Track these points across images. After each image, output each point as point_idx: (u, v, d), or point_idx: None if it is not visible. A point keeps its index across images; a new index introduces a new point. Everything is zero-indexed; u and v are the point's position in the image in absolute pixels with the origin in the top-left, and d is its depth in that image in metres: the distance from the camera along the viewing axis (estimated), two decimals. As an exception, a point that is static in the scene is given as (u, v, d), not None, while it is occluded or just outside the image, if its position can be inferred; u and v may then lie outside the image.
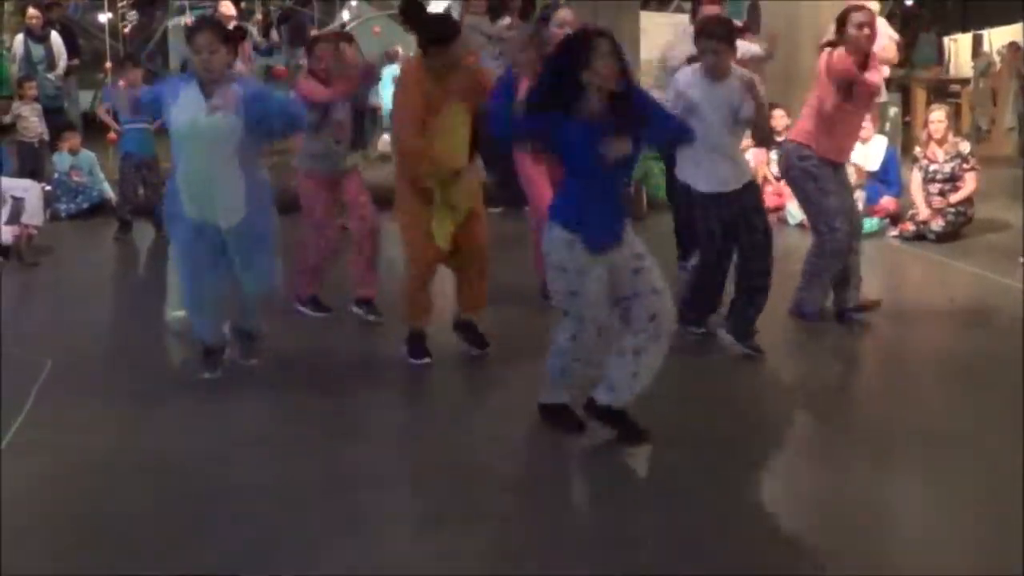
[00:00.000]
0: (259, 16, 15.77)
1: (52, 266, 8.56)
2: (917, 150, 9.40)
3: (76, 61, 13.75)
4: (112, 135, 10.48)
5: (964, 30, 19.52)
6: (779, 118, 9.55)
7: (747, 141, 9.43)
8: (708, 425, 4.73)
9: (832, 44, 6.07)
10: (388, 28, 17.37)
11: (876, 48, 9.24)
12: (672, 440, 4.51)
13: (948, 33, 19.66)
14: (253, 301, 5.45)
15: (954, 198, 8.77)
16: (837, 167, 6.19)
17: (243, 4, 15.46)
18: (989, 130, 15.01)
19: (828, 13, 10.39)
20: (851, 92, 5.97)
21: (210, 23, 5.43)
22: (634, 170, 8.83)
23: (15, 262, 8.33)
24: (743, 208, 5.63)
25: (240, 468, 4.27)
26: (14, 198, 8.56)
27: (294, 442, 4.55)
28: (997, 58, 15.77)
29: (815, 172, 6.06)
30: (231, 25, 12.26)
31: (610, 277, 4.36)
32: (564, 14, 6.22)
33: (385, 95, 14.50)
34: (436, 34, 5.26)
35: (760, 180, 9.99)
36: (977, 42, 17.71)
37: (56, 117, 12.01)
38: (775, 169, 9.13)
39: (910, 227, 8.89)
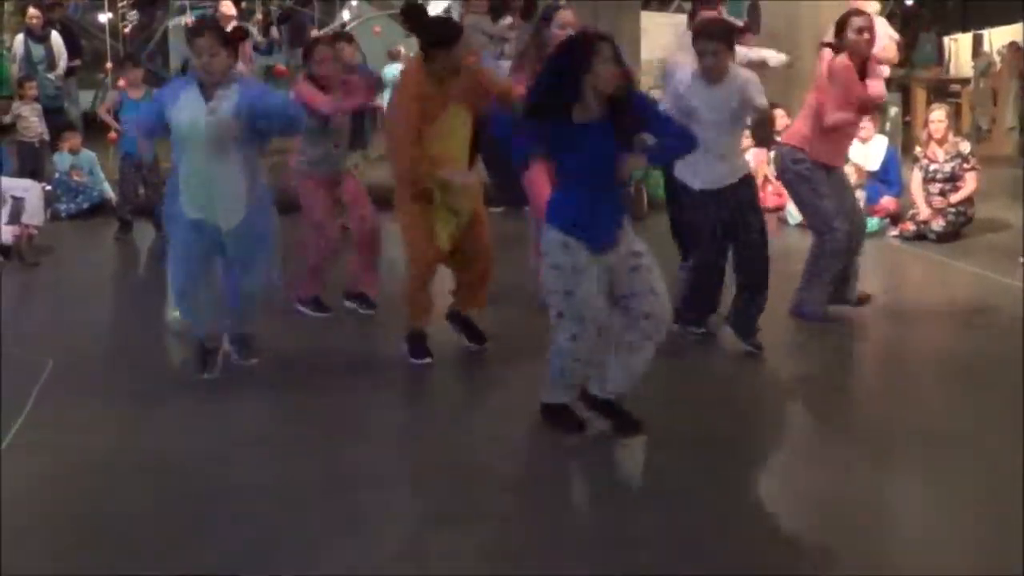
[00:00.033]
0: (259, 16, 15.77)
1: (52, 266, 8.56)
2: (917, 150, 9.40)
3: (78, 62, 13.76)
4: (112, 135, 10.48)
5: (964, 30, 19.52)
6: (779, 118, 9.55)
7: (747, 141, 9.47)
8: (708, 425, 4.73)
9: (832, 47, 6.06)
10: (388, 28, 17.39)
11: (876, 48, 9.27)
12: (672, 440, 4.51)
13: (948, 33, 19.66)
14: (253, 301, 5.46)
15: (954, 198, 8.78)
16: (832, 169, 6.19)
17: (243, 4, 15.45)
18: (990, 130, 15.01)
19: (828, 13, 10.41)
20: (852, 103, 6.00)
21: (211, 26, 5.44)
22: (634, 172, 8.85)
23: (16, 262, 8.33)
24: (739, 204, 5.64)
25: (240, 468, 4.27)
26: (14, 198, 8.57)
27: (294, 442, 4.55)
28: (997, 58, 15.76)
29: (808, 175, 6.06)
30: (231, 25, 12.33)
31: (608, 276, 4.37)
32: (566, 16, 6.20)
33: (387, 95, 14.53)
34: (438, 37, 5.26)
35: (760, 180, 10.01)
36: (977, 42, 17.71)
37: (56, 117, 12.02)
38: (775, 169, 9.12)
39: (910, 227, 8.89)
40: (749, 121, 9.19)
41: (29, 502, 3.97)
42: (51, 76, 12.64)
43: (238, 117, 4.99)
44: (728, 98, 5.53)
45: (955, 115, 13.77)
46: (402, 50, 15.28)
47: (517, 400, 5.01)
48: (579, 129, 4.24)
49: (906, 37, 15.04)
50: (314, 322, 6.44)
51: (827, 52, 6.17)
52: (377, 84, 5.68)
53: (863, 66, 6.04)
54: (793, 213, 9.17)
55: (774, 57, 7.20)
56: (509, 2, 10.07)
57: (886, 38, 10.31)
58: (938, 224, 8.76)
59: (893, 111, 11.26)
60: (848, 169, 9.03)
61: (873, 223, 9.02)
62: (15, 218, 8.48)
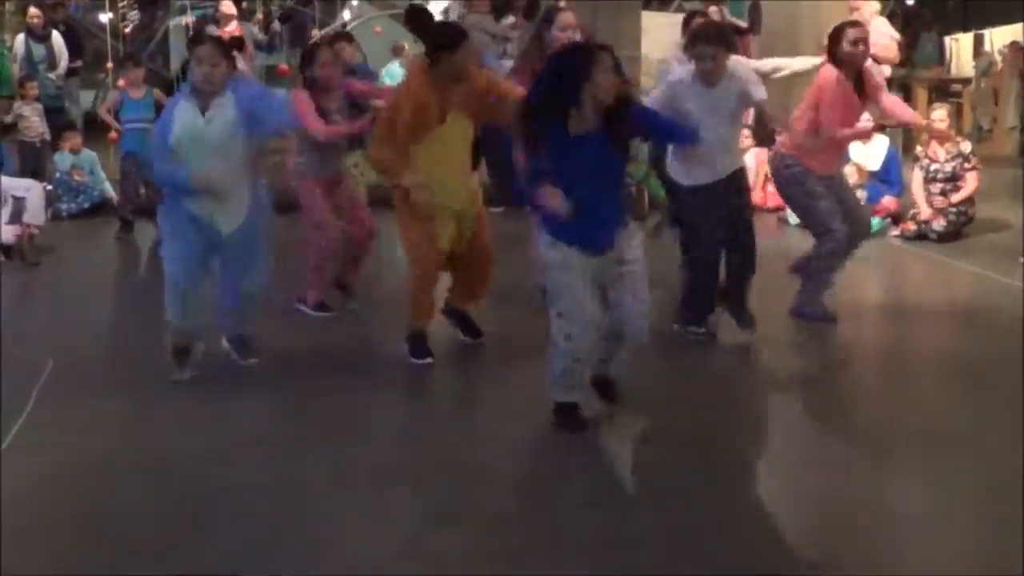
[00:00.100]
0: (260, 16, 15.77)
1: (53, 266, 8.57)
2: (918, 149, 9.40)
3: (80, 62, 13.77)
4: (113, 135, 10.48)
5: (965, 29, 19.49)
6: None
7: (747, 141, 9.46)
8: (708, 425, 4.73)
9: (832, 60, 6.04)
10: (389, 28, 17.38)
11: (877, 48, 9.27)
12: (672, 440, 4.52)
13: (949, 33, 19.64)
14: (252, 301, 5.46)
15: (955, 198, 8.78)
16: (829, 175, 6.19)
17: (244, 3, 15.45)
18: (990, 130, 15.01)
19: (828, 13, 10.42)
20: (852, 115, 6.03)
21: (212, 37, 5.49)
22: (635, 171, 8.86)
23: (16, 262, 8.34)
24: (729, 195, 5.67)
25: (240, 468, 4.27)
26: (15, 198, 8.57)
27: (294, 442, 4.56)
28: (998, 58, 15.75)
29: (801, 178, 6.07)
30: (232, 24, 12.35)
31: (600, 280, 4.43)
32: (567, 17, 6.21)
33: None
34: (442, 41, 5.26)
35: (761, 179, 10.02)
36: (978, 42, 17.69)
37: (57, 117, 12.03)
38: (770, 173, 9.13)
39: (911, 227, 8.89)
40: (750, 120, 9.24)
41: (29, 502, 3.97)
42: (52, 76, 12.66)
43: (237, 123, 5.01)
44: (726, 98, 5.54)
45: (956, 115, 13.76)
46: (406, 46, 15.28)
47: (517, 399, 5.01)
48: (575, 140, 4.28)
49: (907, 37, 15.04)
50: (314, 322, 6.44)
51: (827, 68, 6.14)
52: (373, 79, 5.63)
53: (859, 77, 6.04)
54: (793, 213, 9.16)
55: (807, 62, 7.13)
56: (511, 1, 10.09)
57: (887, 37, 10.33)
58: (939, 224, 8.76)
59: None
60: (849, 169, 9.05)
61: (874, 223, 9.01)
62: (16, 218, 8.48)
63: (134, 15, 17.80)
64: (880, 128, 6.62)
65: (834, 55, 6.00)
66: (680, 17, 9.49)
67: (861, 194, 9.01)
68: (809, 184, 6.07)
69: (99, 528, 3.77)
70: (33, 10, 12.95)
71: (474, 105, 5.33)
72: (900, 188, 9.53)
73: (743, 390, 5.34)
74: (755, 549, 3.57)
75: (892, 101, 6.66)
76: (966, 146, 9.08)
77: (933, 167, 8.89)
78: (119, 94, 10.09)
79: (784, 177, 6.17)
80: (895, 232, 9.04)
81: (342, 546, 3.60)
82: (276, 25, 15.68)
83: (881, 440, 4.54)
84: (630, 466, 4.33)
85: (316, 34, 15.78)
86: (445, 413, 5.14)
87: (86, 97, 15.07)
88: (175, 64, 15.62)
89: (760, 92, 5.61)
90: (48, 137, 11.27)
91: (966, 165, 8.84)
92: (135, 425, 4.84)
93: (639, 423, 4.73)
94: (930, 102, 13.35)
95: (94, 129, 12.41)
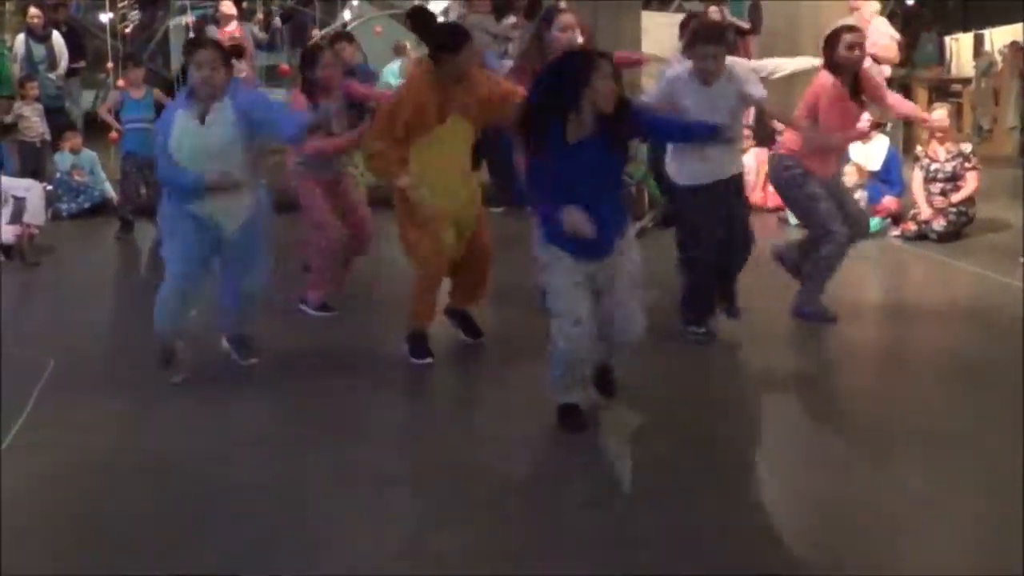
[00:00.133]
0: (260, 16, 15.76)
1: (53, 266, 8.57)
2: (919, 149, 9.40)
3: (82, 63, 13.77)
4: (113, 135, 10.48)
5: (965, 29, 19.49)
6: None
7: (747, 141, 9.46)
8: (708, 425, 4.73)
9: (828, 64, 6.03)
10: (390, 28, 17.38)
11: (877, 48, 9.28)
12: (672, 440, 4.52)
13: (949, 32, 19.64)
14: (253, 301, 5.46)
15: (955, 198, 8.78)
16: (827, 177, 6.19)
17: (244, 3, 15.44)
18: (991, 130, 15.01)
19: (828, 13, 10.41)
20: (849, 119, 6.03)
21: (212, 41, 5.49)
22: (635, 172, 8.86)
23: (17, 262, 8.34)
24: (727, 198, 5.68)
25: (240, 468, 4.27)
26: (16, 198, 8.58)
27: (294, 442, 4.56)
28: (999, 58, 15.75)
29: (801, 180, 6.07)
30: (232, 24, 12.34)
31: (595, 280, 4.48)
32: (567, 18, 6.20)
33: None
34: (445, 42, 5.25)
35: (761, 179, 10.02)
36: (978, 42, 17.70)
37: (57, 117, 12.03)
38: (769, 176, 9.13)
39: (912, 227, 8.89)
40: (751, 120, 9.24)
41: (29, 502, 3.97)
42: (52, 76, 12.65)
43: (236, 129, 5.00)
44: (724, 97, 5.54)
45: (956, 115, 13.77)
46: (407, 46, 15.27)
47: (517, 399, 5.02)
48: (574, 146, 4.30)
49: (907, 37, 15.04)
50: (314, 322, 6.44)
51: (823, 74, 6.13)
52: (373, 79, 5.59)
53: (855, 81, 6.04)
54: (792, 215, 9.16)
55: (803, 63, 7.13)
56: (513, 1, 10.07)
57: (887, 37, 10.33)
58: (939, 224, 8.76)
59: (894, 111, 11.24)
60: (849, 169, 9.05)
61: (874, 223, 9.01)
62: (16, 218, 8.49)
63: (134, 15, 17.81)
64: (877, 126, 6.62)
65: (830, 60, 5.99)
66: (680, 17, 9.50)
67: (861, 194, 9.02)
68: (809, 186, 6.07)
69: (99, 528, 3.77)
70: (33, 10, 12.95)
71: (475, 106, 5.33)
72: (900, 188, 9.53)
73: (743, 390, 5.34)
74: (755, 549, 3.57)
75: (894, 98, 6.68)
76: (966, 146, 9.09)
77: (933, 167, 8.89)
78: (119, 94, 10.09)
79: (784, 179, 6.18)
80: (895, 232, 9.04)
81: (342, 546, 3.60)
82: (277, 22, 15.66)
83: (881, 440, 4.54)
84: (628, 463, 4.34)
85: (316, 34, 15.79)
86: (445, 413, 5.14)
87: (87, 97, 15.06)
88: (175, 64, 15.61)
89: (759, 91, 5.62)
90: (48, 137, 11.27)
91: (966, 165, 8.84)
92: (135, 425, 4.85)
93: (637, 419, 4.74)
94: (930, 102, 13.34)
95: (94, 129, 12.43)
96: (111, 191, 10.68)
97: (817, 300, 6.24)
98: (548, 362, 4.57)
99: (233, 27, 12.40)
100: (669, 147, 5.88)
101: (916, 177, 9.04)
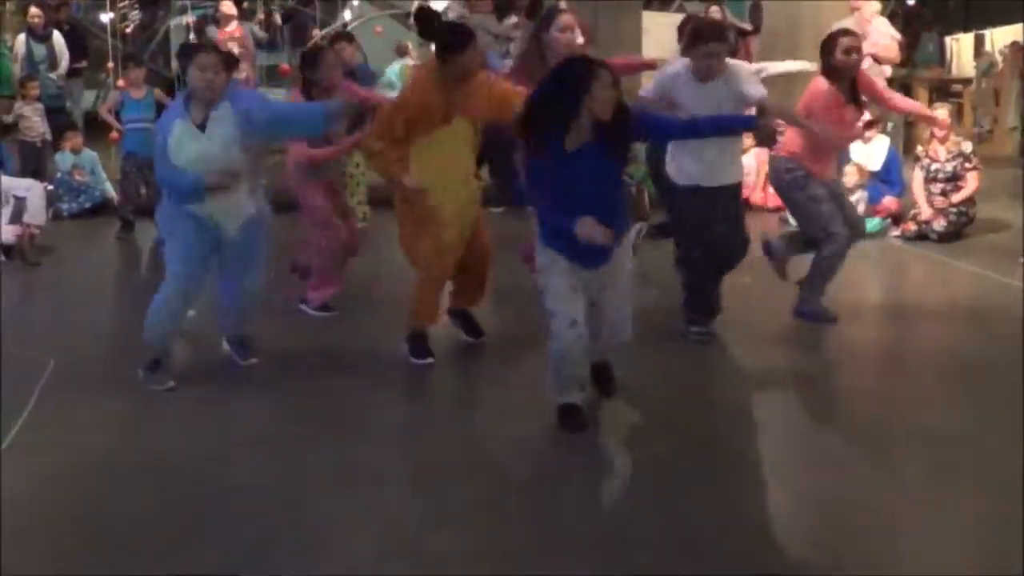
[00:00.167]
0: (260, 16, 15.78)
1: (54, 266, 8.56)
2: (919, 149, 9.40)
3: (84, 63, 13.77)
4: (114, 134, 10.48)
5: (966, 30, 19.51)
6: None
7: (748, 141, 9.45)
8: (708, 425, 4.74)
9: (825, 69, 6.03)
10: (390, 28, 17.40)
11: (878, 48, 9.26)
12: (672, 440, 4.52)
13: (950, 33, 19.65)
14: (253, 301, 5.46)
15: (956, 198, 8.77)
16: (826, 180, 6.19)
17: (245, 3, 15.45)
18: (991, 130, 15.00)
19: (829, 13, 10.41)
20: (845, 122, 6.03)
21: (215, 47, 5.46)
22: (635, 172, 8.86)
23: (17, 261, 8.34)
24: (724, 201, 5.68)
25: (240, 468, 4.27)
26: (16, 197, 8.57)
27: (294, 442, 4.56)
28: (999, 58, 15.75)
29: (803, 182, 6.07)
30: (232, 24, 12.34)
31: (589, 285, 4.53)
32: (566, 19, 6.20)
33: (394, 94, 14.52)
34: (451, 41, 5.25)
35: (762, 180, 10.02)
36: (979, 42, 17.70)
37: (58, 117, 12.02)
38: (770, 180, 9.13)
39: (912, 227, 8.89)
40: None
41: (29, 502, 3.97)
42: (53, 76, 12.65)
43: (237, 134, 4.97)
44: (721, 95, 5.53)
45: (957, 115, 13.77)
46: (409, 45, 15.28)
47: (517, 399, 5.02)
48: (573, 154, 4.32)
49: (908, 37, 15.04)
50: (314, 322, 6.44)
51: (819, 79, 6.13)
52: (373, 79, 5.56)
53: (852, 86, 6.03)
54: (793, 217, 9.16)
55: (793, 65, 7.14)
56: (514, 1, 10.08)
57: (887, 37, 10.32)
58: (939, 224, 8.76)
59: (895, 111, 11.25)
60: (849, 169, 9.06)
61: (875, 223, 9.03)
62: (17, 218, 8.48)
63: (135, 15, 17.83)
64: (870, 125, 6.62)
65: (827, 64, 5.99)
66: (681, 18, 9.49)
67: (862, 194, 9.02)
68: (811, 188, 6.07)
69: (99, 528, 3.77)
70: (34, 10, 12.95)
71: (478, 107, 5.33)
72: (901, 188, 9.53)
73: (743, 390, 5.34)
74: (755, 549, 3.57)
75: (894, 96, 6.69)
76: (967, 146, 9.07)
77: (934, 167, 8.89)
78: (120, 94, 10.09)
79: (786, 181, 6.16)
80: (895, 232, 9.03)
81: (342, 546, 3.60)
82: (277, 18, 15.66)
83: (881, 440, 4.54)
84: (628, 463, 4.35)
85: (317, 34, 15.80)
86: (445, 413, 5.14)
87: (88, 97, 15.06)
88: (176, 64, 15.62)
89: (759, 90, 5.61)
90: (49, 137, 11.26)
91: (967, 165, 8.83)
92: (135, 425, 4.85)
93: (637, 419, 4.74)
94: (931, 102, 13.32)
95: (95, 129, 12.42)
96: (112, 191, 10.67)
97: (817, 300, 6.24)
98: (547, 362, 4.57)
99: (233, 27, 12.41)
100: (669, 147, 5.88)
101: (916, 177, 9.04)
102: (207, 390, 5.22)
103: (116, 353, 6.04)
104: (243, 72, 11.68)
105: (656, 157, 6.39)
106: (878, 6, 10.73)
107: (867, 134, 9.02)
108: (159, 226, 5.52)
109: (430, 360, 5.53)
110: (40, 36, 12.79)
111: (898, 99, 6.70)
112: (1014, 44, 15.11)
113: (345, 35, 9.44)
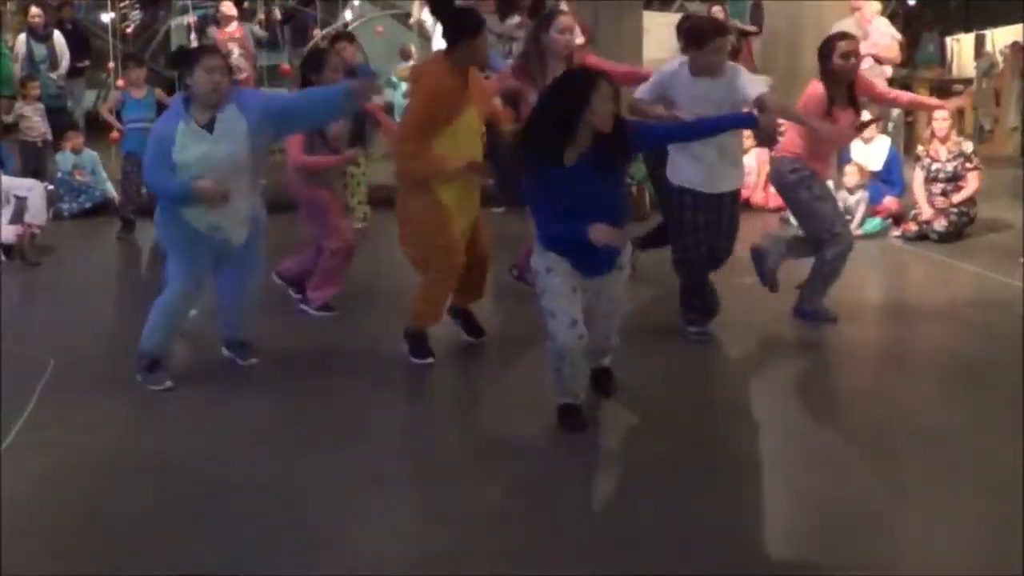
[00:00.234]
0: (261, 16, 15.79)
1: (54, 265, 8.57)
2: (920, 149, 9.40)
3: (87, 62, 13.77)
4: (115, 134, 10.48)
5: (967, 30, 19.48)
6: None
7: (749, 141, 9.46)
8: (708, 425, 4.74)
9: (823, 73, 6.03)
10: (391, 28, 17.40)
11: (879, 48, 9.26)
12: (672, 440, 4.52)
13: (951, 33, 19.63)
14: (254, 302, 5.46)
15: (957, 198, 8.78)
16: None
17: (245, 3, 15.46)
18: (992, 130, 15.00)
19: (830, 14, 10.43)
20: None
21: (215, 49, 5.45)
22: (636, 172, 8.86)
23: (18, 261, 8.34)
24: (721, 206, 5.68)
25: (240, 468, 4.27)
26: (17, 197, 8.57)
27: (294, 442, 4.56)
28: (1000, 58, 15.75)
29: (809, 182, 6.06)
30: (232, 25, 12.34)
31: (584, 292, 4.54)
32: (566, 20, 6.21)
33: (396, 93, 14.56)
34: (463, 25, 5.24)
35: (762, 180, 10.02)
36: (980, 42, 17.68)
37: (59, 116, 12.03)
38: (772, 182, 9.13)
39: (912, 227, 8.89)
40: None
41: (29, 502, 3.97)
42: (53, 76, 12.66)
43: (247, 133, 4.95)
44: (719, 92, 5.52)
45: (957, 115, 13.76)
46: (412, 48, 15.28)
47: (517, 399, 5.02)
48: (572, 168, 4.35)
49: (908, 37, 15.04)
50: (314, 322, 6.44)
51: (814, 83, 6.12)
52: (372, 76, 5.52)
53: (850, 89, 6.03)
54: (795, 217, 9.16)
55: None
56: (516, 1, 10.08)
57: (888, 37, 10.33)
58: (940, 224, 8.76)
59: (896, 111, 11.26)
60: (850, 169, 9.07)
61: (875, 223, 9.04)
62: (18, 217, 8.48)
63: (136, 15, 17.83)
64: (863, 126, 6.61)
65: (825, 69, 5.98)
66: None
67: (862, 194, 9.03)
68: (816, 188, 6.07)
69: (99, 528, 3.77)
70: (34, 10, 12.96)
71: (479, 98, 5.35)
72: (901, 188, 9.53)
73: (743, 390, 5.34)
74: (755, 549, 3.57)
75: (892, 92, 6.71)
76: (967, 146, 9.08)
77: (935, 167, 8.89)
78: (120, 94, 10.09)
79: (791, 181, 6.12)
80: (896, 232, 9.03)
81: (342, 546, 3.60)
82: (276, 14, 15.66)
83: (881, 440, 4.54)
84: (628, 463, 4.35)
85: (317, 34, 15.81)
86: (445, 413, 5.14)
87: (89, 97, 15.07)
88: (176, 65, 15.61)
89: (759, 88, 5.60)
90: (50, 137, 11.27)
91: (967, 165, 8.84)
92: (135, 425, 4.85)
93: (637, 419, 4.74)
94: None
95: (96, 129, 12.43)
96: (112, 191, 10.68)
97: (818, 300, 6.23)
98: (547, 362, 4.57)
99: (233, 27, 12.41)
100: (669, 148, 5.87)
101: (917, 177, 9.04)
102: (207, 390, 5.22)
103: (116, 353, 6.03)
104: (243, 72, 11.69)
105: (656, 157, 6.39)
106: (878, 6, 10.74)
107: (867, 134, 9.04)
108: (158, 235, 5.46)
109: (430, 360, 5.53)
110: (41, 36, 12.80)
111: (896, 94, 6.68)
112: (1015, 44, 15.10)
113: (346, 35, 9.44)
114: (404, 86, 13.12)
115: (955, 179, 8.83)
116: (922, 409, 4.93)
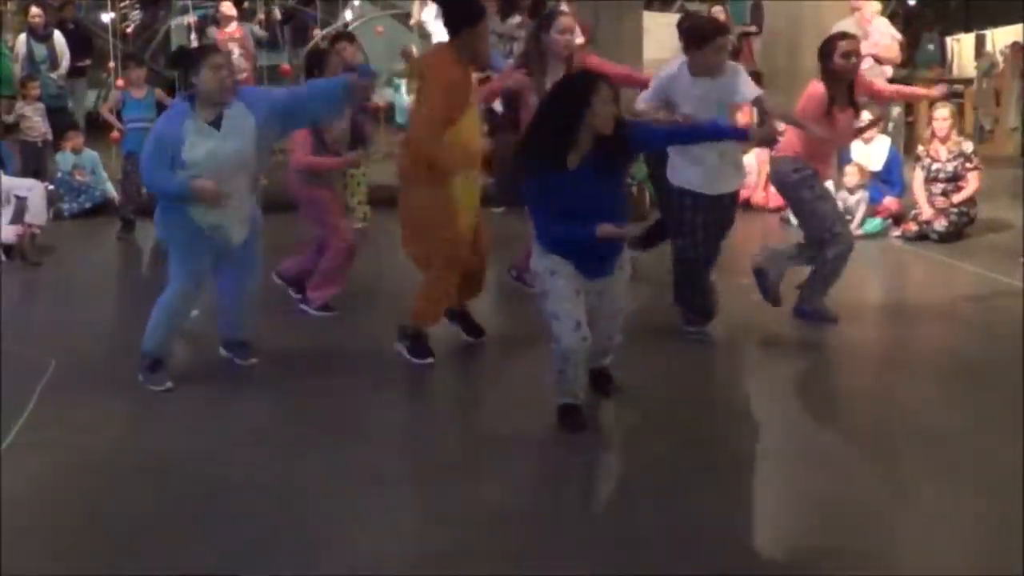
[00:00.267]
0: (261, 16, 15.78)
1: (55, 265, 8.56)
2: (920, 149, 9.39)
3: (88, 61, 13.76)
4: (115, 134, 10.48)
5: (967, 30, 19.48)
6: None
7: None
8: (708, 425, 4.74)
9: (823, 73, 6.03)
10: (391, 28, 17.38)
11: (879, 48, 9.25)
12: (672, 440, 4.52)
13: (951, 33, 19.62)
14: (252, 301, 5.46)
15: (957, 198, 8.77)
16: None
17: (245, 3, 15.45)
18: (992, 130, 14.99)
19: (830, 14, 10.42)
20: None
21: (216, 48, 5.45)
22: (636, 172, 8.85)
23: (18, 261, 8.34)
24: (720, 208, 5.69)
25: (240, 468, 4.27)
26: (17, 197, 8.57)
27: (294, 442, 4.56)
28: (1000, 58, 15.74)
29: (811, 182, 6.05)
30: (232, 25, 12.34)
31: (586, 295, 4.55)
32: (566, 21, 6.21)
33: (397, 94, 14.57)
34: (468, 12, 5.22)
35: (762, 180, 10.01)
36: (980, 42, 17.67)
37: (59, 116, 12.02)
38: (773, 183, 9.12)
39: (913, 227, 8.88)
40: (754, 120, 9.22)
41: (29, 502, 3.97)
42: (53, 75, 12.65)
43: (255, 130, 4.95)
44: (718, 91, 5.53)
45: (958, 115, 13.76)
46: (413, 49, 15.27)
47: (517, 399, 5.02)
48: (572, 174, 4.36)
49: (908, 37, 15.03)
50: (314, 322, 6.44)
51: (814, 83, 6.12)
52: (372, 76, 5.49)
53: (850, 90, 6.02)
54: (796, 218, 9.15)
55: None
56: (517, 1, 10.08)
57: (888, 37, 10.33)
58: (940, 224, 8.75)
59: (896, 111, 11.26)
60: (850, 169, 9.06)
61: (875, 223, 9.03)
62: (18, 217, 8.48)
63: (136, 15, 17.82)
64: (870, 126, 6.61)
65: (825, 68, 5.97)
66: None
67: (863, 194, 9.02)
68: (819, 187, 6.07)
69: (99, 528, 3.77)
70: (35, 10, 12.95)
71: (477, 90, 5.36)
72: (901, 188, 9.52)
73: (743, 389, 5.34)
74: (755, 549, 3.57)
75: (890, 88, 6.70)
76: (968, 146, 9.07)
77: (935, 167, 8.88)
78: (121, 94, 10.09)
79: (793, 181, 6.11)
80: (896, 232, 9.02)
81: (342, 546, 3.60)
82: (276, 14, 15.65)
83: (881, 440, 4.54)
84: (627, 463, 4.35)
85: (318, 34, 15.79)
86: (445, 413, 5.15)
87: (89, 97, 15.06)
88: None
89: (755, 90, 5.61)
90: (50, 137, 11.26)
91: (968, 165, 8.83)
92: (135, 425, 4.85)
93: (637, 419, 4.75)
94: (932, 103, 13.31)
95: (96, 129, 12.43)
96: (112, 191, 10.66)
97: (819, 300, 6.23)
98: (549, 362, 4.57)
99: (233, 28, 12.41)
100: (670, 149, 5.87)
101: (917, 177, 9.03)
102: (207, 390, 5.22)
103: (116, 353, 6.03)
104: (243, 72, 11.68)
105: (656, 158, 6.39)
106: (878, 6, 10.74)
107: (867, 134, 9.03)
108: (158, 235, 5.46)
109: (430, 360, 5.52)
110: (41, 36, 12.79)
111: (879, 87, 6.64)
112: (1015, 44, 15.09)
113: (346, 35, 9.42)
114: (404, 85, 13.15)
115: (955, 179, 8.82)
116: (922, 409, 4.93)
